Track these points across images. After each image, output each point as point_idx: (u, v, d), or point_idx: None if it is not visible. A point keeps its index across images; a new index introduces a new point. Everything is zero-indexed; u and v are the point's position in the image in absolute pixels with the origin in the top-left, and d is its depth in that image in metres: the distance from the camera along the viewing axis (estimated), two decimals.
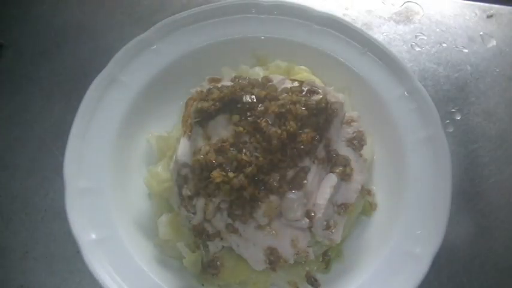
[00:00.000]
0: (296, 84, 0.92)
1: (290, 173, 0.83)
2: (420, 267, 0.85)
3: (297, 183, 0.83)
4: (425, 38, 1.26)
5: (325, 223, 0.87)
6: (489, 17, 1.29)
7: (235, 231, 0.85)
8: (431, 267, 0.85)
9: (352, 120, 0.96)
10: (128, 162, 1.00)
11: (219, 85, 0.91)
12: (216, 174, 0.78)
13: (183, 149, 0.88)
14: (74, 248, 0.86)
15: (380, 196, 1.00)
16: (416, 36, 1.26)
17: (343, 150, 0.92)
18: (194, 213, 0.86)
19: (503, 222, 1.05)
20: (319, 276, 0.92)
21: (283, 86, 0.91)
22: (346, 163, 0.90)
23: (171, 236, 0.91)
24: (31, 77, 1.20)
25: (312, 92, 0.88)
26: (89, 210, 0.89)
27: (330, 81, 1.05)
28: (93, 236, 0.87)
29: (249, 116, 0.82)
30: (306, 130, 0.82)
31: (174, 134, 1.01)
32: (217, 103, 0.84)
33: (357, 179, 0.91)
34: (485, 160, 1.10)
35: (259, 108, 0.83)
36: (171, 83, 1.06)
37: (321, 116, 0.85)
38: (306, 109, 0.83)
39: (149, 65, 1.04)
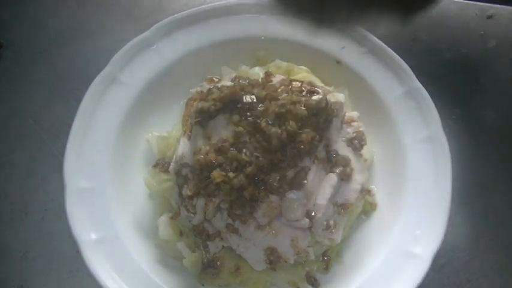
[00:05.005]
0: (296, 84, 0.92)
1: (290, 173, 0.83)
2: (420, 267, 0.85)
3: (297, 183, 0.83)
4: (425, 38, 1.26)
5: (325, 223, 0.88)
6: (489, 17, 1.29)
7: (235, 231, 0.85)
8: (431, 267, 0.85)
9: (352, 120, 0.96)
10: (127, 162, 1.00)
11: (219, 85, 0.91)
12: (216, 174, 0.78)
13: (183, 149, 0.88)
14: (74, 248, 0.87)
15: (380, 196, 1.00)
16: (416, 36, 1.26)
17: (343, 150, 0.92)
18: (194, 213, 0.86)
19: (503, 222, 1.05)
20: (319, 276, 0.93)
21: (283, 86, 0.91)
22: (346, 163, 0.90)
23: (171, 236, 0.91)
24: (31, 77, 1.20)
25: (312, 92, 0.88)
26: (89, 210, 0.89)
27: (330, 81, 1.05)
28: (93, 236, 0.87)
29: (249, 116, 0.82)
30: (306, 130, 0.81)
31: (174, 134, 1.01)
32: (217, 103, 0.84)
33: (357, 179, 0.91)
34: (485, 160, 1.10)
35: (259, 108, 0.82)
36: (171, 83, 1.06)
37: (321, 116, 0.84)
38: (306, 109, 0.82)
39: (149, 65, 1.04)
